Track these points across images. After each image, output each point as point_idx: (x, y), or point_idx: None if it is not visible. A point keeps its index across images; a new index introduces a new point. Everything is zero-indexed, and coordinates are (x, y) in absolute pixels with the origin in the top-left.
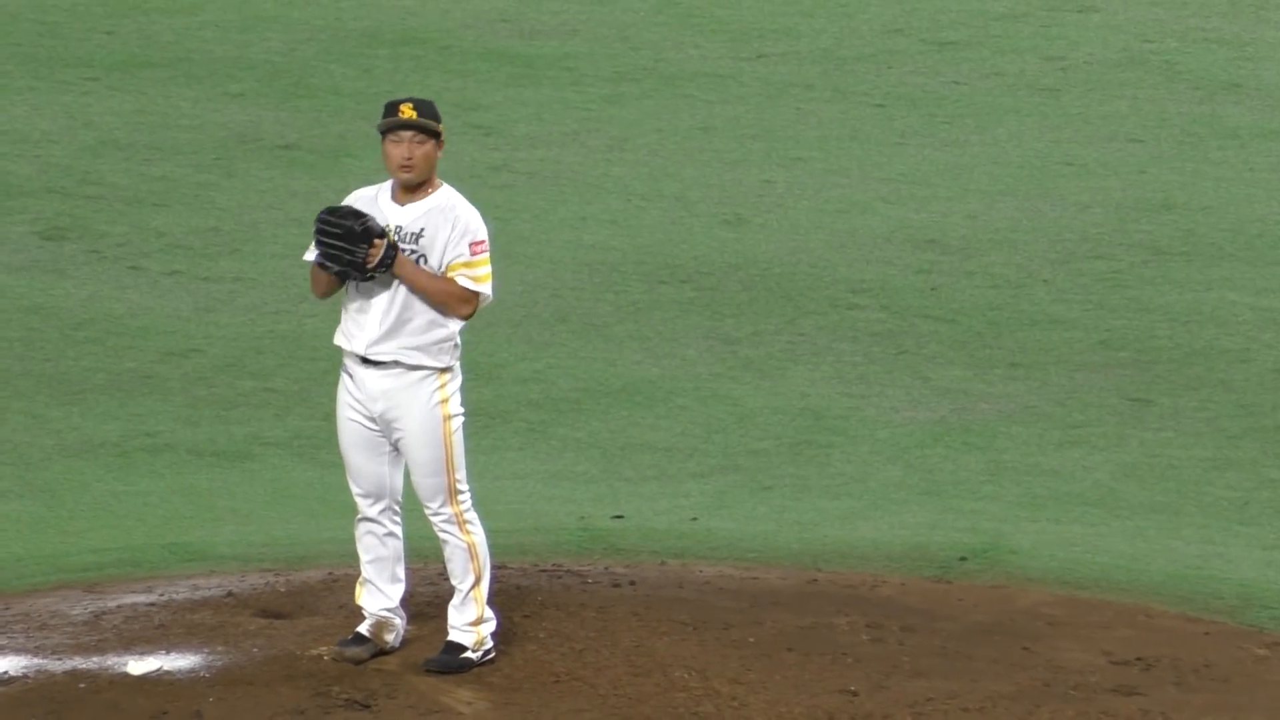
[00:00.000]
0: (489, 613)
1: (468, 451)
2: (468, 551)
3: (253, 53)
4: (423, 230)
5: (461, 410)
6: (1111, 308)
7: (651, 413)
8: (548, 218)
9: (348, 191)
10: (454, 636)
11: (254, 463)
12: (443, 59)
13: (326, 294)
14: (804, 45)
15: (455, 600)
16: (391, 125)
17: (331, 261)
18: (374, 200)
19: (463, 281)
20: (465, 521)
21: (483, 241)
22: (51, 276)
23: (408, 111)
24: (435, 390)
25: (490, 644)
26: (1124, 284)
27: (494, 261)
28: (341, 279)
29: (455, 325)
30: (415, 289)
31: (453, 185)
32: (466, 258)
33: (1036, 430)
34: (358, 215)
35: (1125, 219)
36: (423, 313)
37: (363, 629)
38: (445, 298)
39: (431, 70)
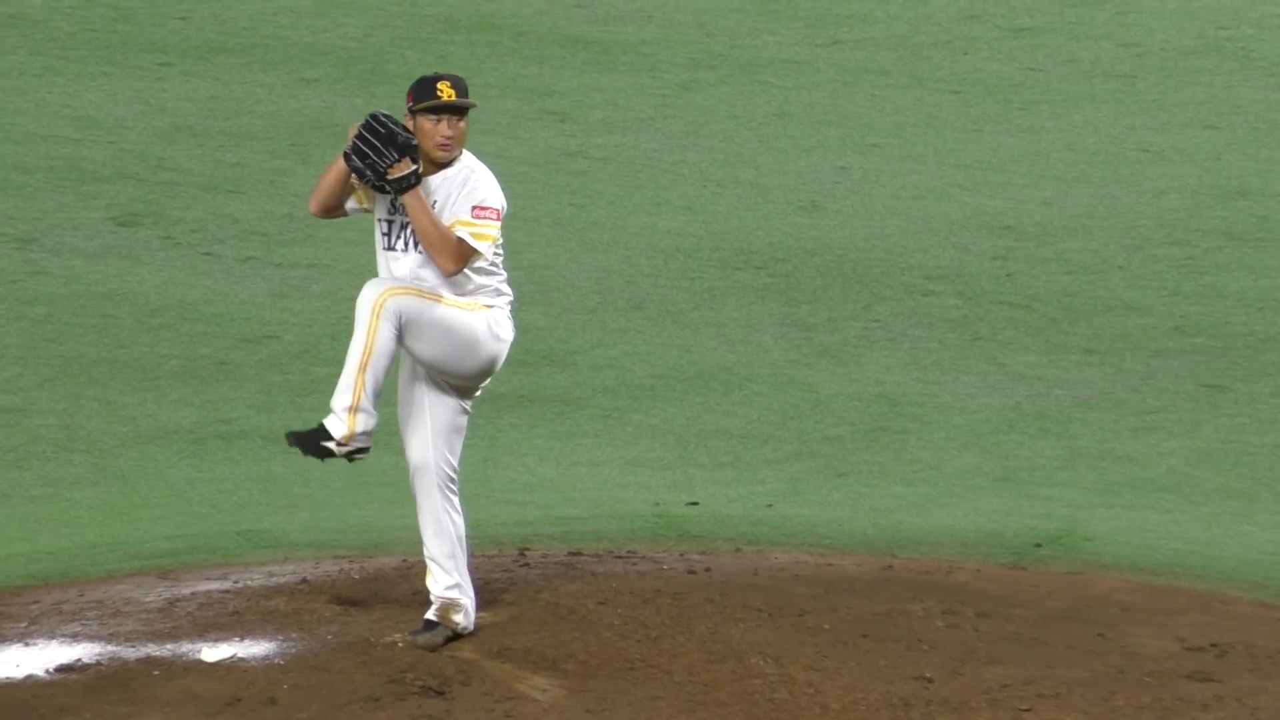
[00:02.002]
0: (364, 401)
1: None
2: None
3: (328, 38)
4: (436, 202)
5: (499, 339)
6: (1186, 294)
7: (727, 399)
8: (623, 204)
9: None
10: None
11: None
12: (518, 45)
13: (324, 205)
14: (880, 31)
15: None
16: (436, 108)
17: (357, 156)
18: None
19: (460, 231)
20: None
21: (489, 208)
22: (126, 263)
23: (448, 92)
24: (473, 308)
25: (353, 446)
26: (1199, 270)
27: (569, 248)
28: (357, 176)
29: (480, 275)
30: (416, 224)
31: (528, 171)
32: (466, 217)
33: (1111, 416)
34: (409, 131)
35: (1200, 205)
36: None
37: (431, 615)
38: (438, 242)
39: (507, 56)
